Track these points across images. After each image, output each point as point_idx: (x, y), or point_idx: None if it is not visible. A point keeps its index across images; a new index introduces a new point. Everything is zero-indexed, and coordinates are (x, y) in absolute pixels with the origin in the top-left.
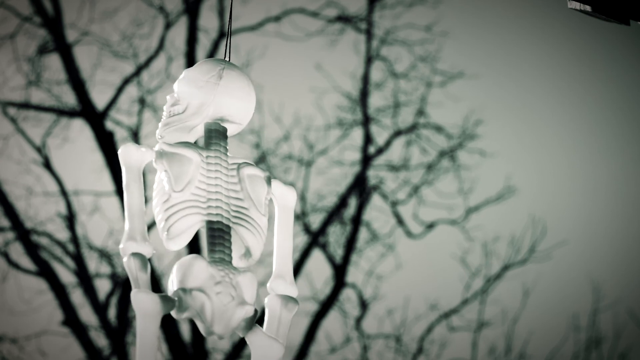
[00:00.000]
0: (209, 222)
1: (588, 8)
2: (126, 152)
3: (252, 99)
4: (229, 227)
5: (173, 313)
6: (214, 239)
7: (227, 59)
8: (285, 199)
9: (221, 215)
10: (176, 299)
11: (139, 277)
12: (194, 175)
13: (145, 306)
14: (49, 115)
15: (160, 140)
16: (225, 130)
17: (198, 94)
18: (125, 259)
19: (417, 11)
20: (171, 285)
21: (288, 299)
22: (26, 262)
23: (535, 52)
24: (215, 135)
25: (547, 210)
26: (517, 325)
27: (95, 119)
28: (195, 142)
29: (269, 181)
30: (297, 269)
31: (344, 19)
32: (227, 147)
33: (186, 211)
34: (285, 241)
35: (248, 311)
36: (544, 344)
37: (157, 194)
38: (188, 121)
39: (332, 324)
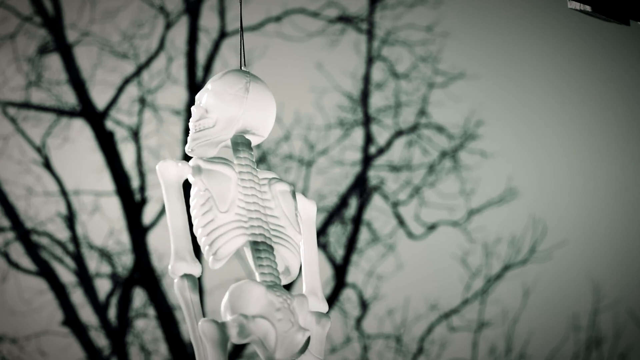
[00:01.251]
0: (254, 243)
1: (588, 8)
2: (166, 169)
3: (275, 110)
4: (271, 247)
5: (233, 338)
6: (262, 261)
7: (242, 68)
8: (308, 212)
9: (263, 235)
10: (237, 324)
11: (192, 300)
12: (235, 194)
13: (216, 336)
14: (49, 115)
15: (193, 155)
16: (250, 142)
17: (227, 108)
18: (176, 281)
19: (417, 11)
20: (226, 309)
21: (321, 316)
22: (26, 262)
23: (535, 52)
24: (243, 148)
25: (547, 210)
26: (517, 325)
27: (96, 118)
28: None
29: (294, 195)
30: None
31: (344, 19)
32: (254, 161)
33: (233, 233)
34: (313, 255)
35: (306, 336)
36: (544, 344)
37: (200, 213)
38: (219, 136)
39: (332, 324)
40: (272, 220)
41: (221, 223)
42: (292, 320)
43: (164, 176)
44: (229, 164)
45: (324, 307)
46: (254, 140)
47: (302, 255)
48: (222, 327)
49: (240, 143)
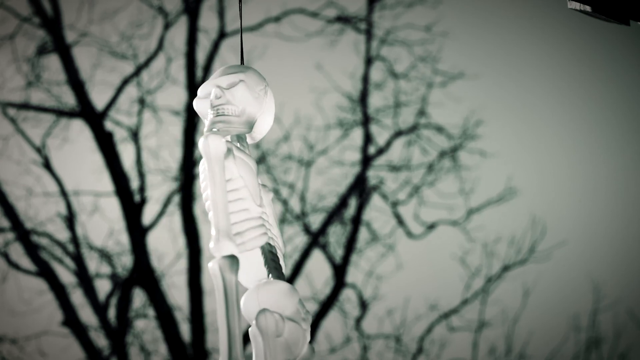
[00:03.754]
0: (270, 246)
1: (588, 8)
2: (217, 143)
3: None
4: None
5: None
6: (277, 265)
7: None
8: None
9: (273, 239)
10: (276, 321)
11: (232, 281)
12: (259, 190)
13: (274, 330)
14: (49, 116)
15: (217, 135)
16: None
17: (253, 104)
18: (218, 261)
19: (417, 11)
20: (264, 303)
21: None
22: (26, 262)
23: (535, 52)
24: (247, 147)
25: (547, 210)
26: (517, 326)
27: (95, 119)
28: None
29: None
30: (297, 269)
31: (343, 19)
32: None
33: (262, 229)
34: None
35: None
36: (544, 344)
37: (234, 197)
38: (240, 127)
39: (332, 324)
40: (271, 227)
41: (255, 215)
42: (308, 335)
43: (214, 150)
44: (252, 158)
45: None
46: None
47: None
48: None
49: (245, 142)
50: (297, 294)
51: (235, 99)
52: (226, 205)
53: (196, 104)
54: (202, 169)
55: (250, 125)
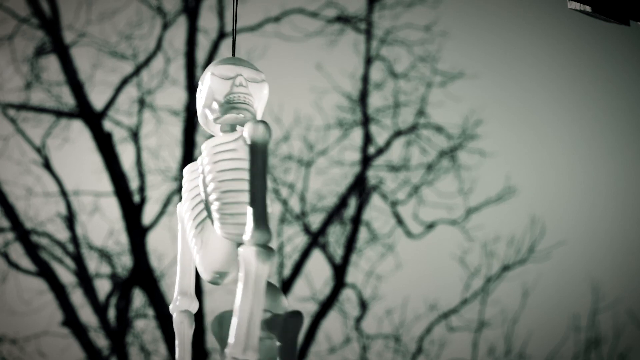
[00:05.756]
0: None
1: (588, 8)
2: (268, 133)
3: None
4: None
5: None
6: None
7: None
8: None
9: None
10: None
11: (265, 271)
12: None
13: None
14: (49, 116)
15: (246, 118)
16: None
17: (260, 107)
18: (255, 248)
19: (416, 11)
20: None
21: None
22: (26, 262)
23: (535, 52)
24: None
25: (547, 210)
26: (517, 326)
27: (94, 119)
28: None
29: None
30: (297, 269)
31: (343, 19)
32: None
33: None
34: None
35: None
36: (544, 344)
37: (244, 187)
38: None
39: (332, 324)
40: None
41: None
42: None
43: (266, 138)
44: None
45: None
46: None
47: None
48: None
49: None
50: None
51: (255, 95)
52: (266, 195)
53: (212, 80)
54: (215, 159)
55: None
